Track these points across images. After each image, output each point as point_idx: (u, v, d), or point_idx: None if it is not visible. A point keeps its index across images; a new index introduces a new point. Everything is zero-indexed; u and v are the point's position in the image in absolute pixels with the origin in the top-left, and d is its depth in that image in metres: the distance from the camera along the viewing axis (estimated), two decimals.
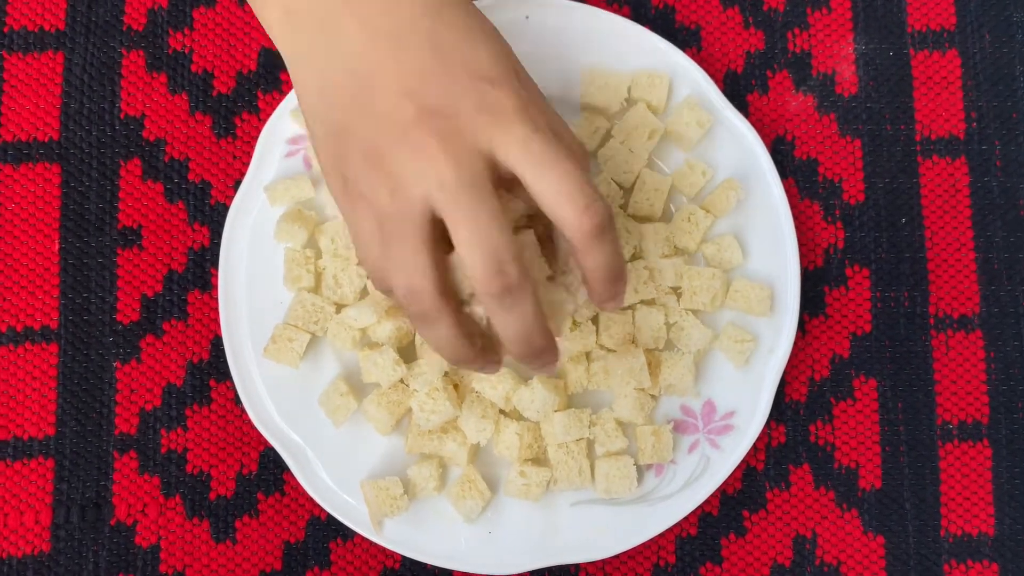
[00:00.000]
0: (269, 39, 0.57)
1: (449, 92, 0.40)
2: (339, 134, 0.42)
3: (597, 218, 0.40)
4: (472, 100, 0.40)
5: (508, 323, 0.41)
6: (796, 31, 0.58)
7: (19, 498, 0.54)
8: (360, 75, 0.41)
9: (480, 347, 0.43)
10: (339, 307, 0.53)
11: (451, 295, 0.42)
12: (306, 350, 0.53)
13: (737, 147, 0.54)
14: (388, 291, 0.43)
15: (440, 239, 0.41)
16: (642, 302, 0.54)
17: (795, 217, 0.55)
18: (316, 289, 0.53)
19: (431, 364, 0.51)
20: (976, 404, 0.56)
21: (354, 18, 0.41)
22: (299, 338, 0.52)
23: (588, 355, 0.53)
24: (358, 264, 0.49)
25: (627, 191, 0.54)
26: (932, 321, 0.57)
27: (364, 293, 0.53)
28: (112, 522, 0.54)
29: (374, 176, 0.41)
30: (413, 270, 0.40)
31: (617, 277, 0.43)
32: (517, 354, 0.43)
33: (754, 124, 0.56)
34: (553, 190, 0.40)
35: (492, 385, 0.51)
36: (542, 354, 0.43)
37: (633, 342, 0.53)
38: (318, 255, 0.53)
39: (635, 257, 0.54)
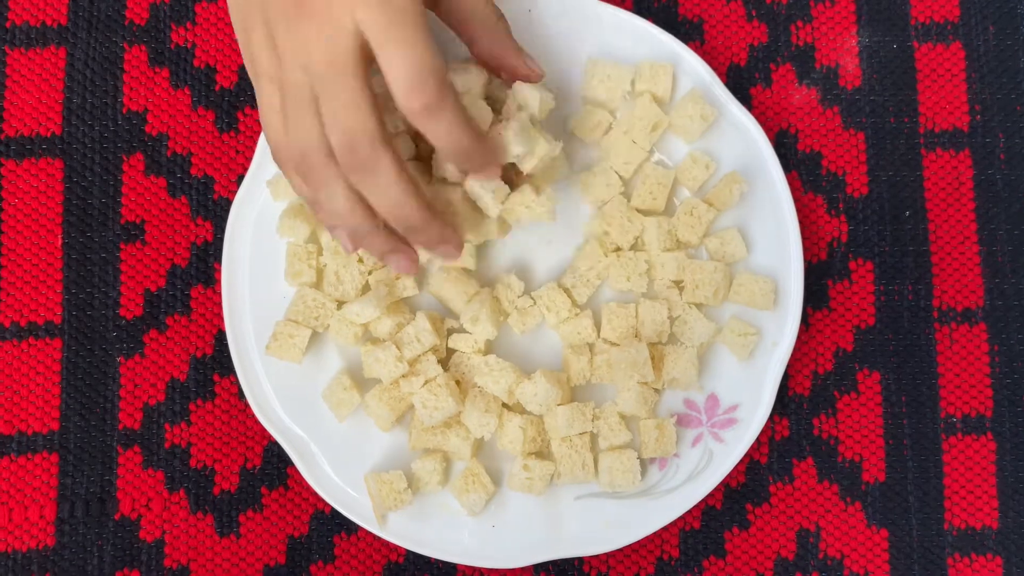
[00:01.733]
0: None
1: None
2: (245, 6, 0.43)
3: (425, 97, 0.40)
4: None
5: (436, 136, 0.42)
6: (799, 24, 0.58)
7: (24, 493, 0.54)
8: None
9: (431, 211, 0.44)
10: (340, 303, 0.53)
11: (390, 142, 0.42)
12: (309, 345, 0.53)
13: (740, 140, 0.54)
14: (293, 156, 0.42)
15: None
16: (644, 296, 0.54)
17: (798, 210, 0.55)
18: (318, 284, 0.53)
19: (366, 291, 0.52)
20: (980, 397, 0.56)
21: None
22: (300, 334, 0.52)
23: (591, 348, 0.53)
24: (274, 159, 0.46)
25: (627, 181, 0.54)
26: (936, 314, 0.56)
27: (366, 289, 0.53)
28: (116, 516, 0.54)
29: (304, 23, 0.41)
30: (354, 116, 0.40)
31: (465, 153, 0.43)
32: (456, 163, 0.44)
33: (757, 117, 0.56)
34: (389, 71, 0.40)
35: (495, 379, 0.51)
36: (476, 159, 0.44)
37: (636, 336, 0.53)
38: (320, 251, 0.53)
39: (636, 249, 0.54)
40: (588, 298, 0.54)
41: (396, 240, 0.45)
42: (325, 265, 0.53)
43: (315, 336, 0.53)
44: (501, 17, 0.48)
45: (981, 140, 0.58)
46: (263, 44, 0.42)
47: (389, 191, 0.42)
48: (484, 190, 0.47)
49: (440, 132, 0.42)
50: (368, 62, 0.41)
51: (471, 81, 0.48)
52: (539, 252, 0.55)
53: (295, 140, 0.42)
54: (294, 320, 0.53)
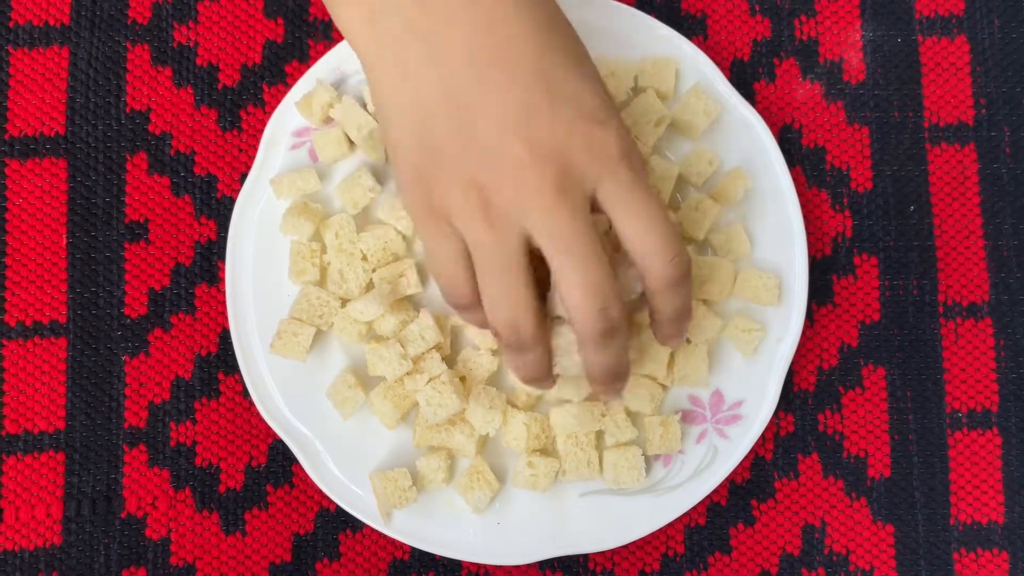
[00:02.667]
0: (273, 32, 0.57)
1: (557, 132, 0.41)
2: (433, 154, 0.42)
3: (681, 269, 0.42)
4: (581, 142, 0.41)
5: (600, 361, 0.44)
6: (803, 18, 0.58)
7: (30, 491, 0.54)
8: (462, 103, 0.41)
9: (552, 371, 0.46)
10: (344, 301, 0.53)
11: (544, 325, 0.43)
12: (313, 343, 0.53)
13: (744, 136, 0.54)
14: (468, 300, 0.44)
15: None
16: None
17: (803, 205, 0.55)
18: (321, 283, 0.53)
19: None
20: (986, 392, 0.56)
21: (457, 36, 0.41)
22: (304, 332, 0.52)
23: None
24: (434, 279, 0.46)
25: None
26: (941, 309, 0.56)
27: (369, 287, 0.53)
28: (122, 515, 0.54)
29: (472, 205, 0.41)
30: (516, 305, 0.42)
31: (684, 318, 0.45)
32: (600, 383, 0.45)
33: (761, 112, 0.56)
34: (645, 239, 0.42)
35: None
36: (619, 382, 0.46)
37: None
38: (323, 249, 0.53)
39: None
40: None
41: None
42: (329, 263, 0.53)
43: (319, 334, 0.53)
44: (675, 259, 0.44)
45: (986, 134, 0.57)
46: (453, 201, 0.42)
47: (531, 368, 0.45)
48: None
49: (603, 359, 0.43)
50: (530, 250, 0.42)
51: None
52: None
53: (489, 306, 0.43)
54: (298, 319, 0.53)
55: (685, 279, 0.43)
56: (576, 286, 0.41)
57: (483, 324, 0.44)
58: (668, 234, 0.42)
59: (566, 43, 0.43)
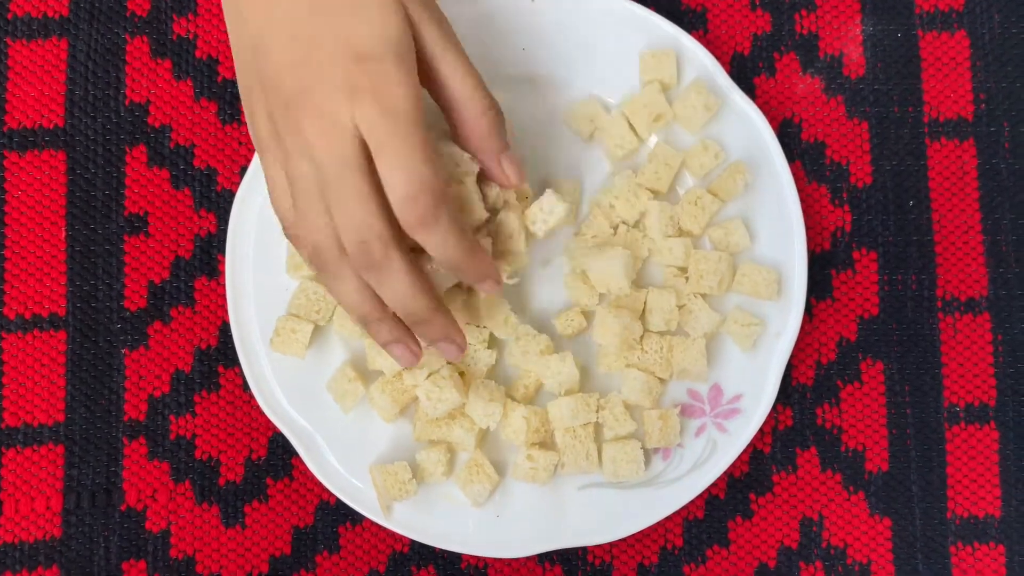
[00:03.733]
0: None
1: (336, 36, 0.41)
2: (265, 83, 0.43)
3: (418, 211, 0.41)
4: (339, 78, 0.41)
5: (430, 247, 0.42)
6: (803, 12, 0.58)
7: (30, 484, 0.54)
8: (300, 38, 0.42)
9: (439, 305, 0.45)
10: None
11: (401, 236, 0.42)
12: (313, 337, 0.53)
13: (744, 130, 0.54)
14: (306, 245, 0.43)
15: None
16: (651, 284, 0.54)
17: (802, 200, 0.55)
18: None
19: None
20: (983, 387, 0.56)
21: None
22: (302, 328, 0.52)
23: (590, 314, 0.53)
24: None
25: (616, 162, 0.54)
26: (939, 304, 0.56)
27: None
28: (122, 507, 0.54)
29: (303, 116, 0.41)
30: (363, 217, 0.41)
31: (458, 266, 0.43)
32: (448, 270, 0.44)
33: (761, 107, 0.56)
34: (386, 180, 0.41)
35: (524, 347, 0.52)
36: (472, 272, 0.44)
37: (640, 318, 0.53)
38: None
39: (638, 229, 0.54)
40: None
41: (401, 331, 0.46)
42: None
43: (319, 327, 0.53)
44: (490, 109, 0.45)
45: (986, 129, 0.57)
46: (267, 128, 0.43)
47: (399, 288, 0.43)
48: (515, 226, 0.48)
49: (434, 245, 0.42)
50: (370, 156, 0.41)
51: (467, 166, 0.46)
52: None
53: (306, 231, 0.43)
54: (295, 315, 0.53)
55: (426, 221, 0.41)
56: (388, 174, 0.40)
57: (360, 307, 0.44)
58: (404, 174, 0.40)
59: None
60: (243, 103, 0.45)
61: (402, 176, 0.40)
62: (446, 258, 0.43)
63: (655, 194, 0.54)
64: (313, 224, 0.42)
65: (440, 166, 0.42)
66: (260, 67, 0.43)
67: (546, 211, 0.48)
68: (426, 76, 0.45)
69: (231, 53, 0.57)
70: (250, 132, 0.45)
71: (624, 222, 0.54)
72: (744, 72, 0.57)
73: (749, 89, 0.57)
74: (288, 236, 0.45)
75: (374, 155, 0.41)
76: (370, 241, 0.41)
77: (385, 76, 0.41)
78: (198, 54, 0.57)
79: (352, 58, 0.41)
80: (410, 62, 0.42)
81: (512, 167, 0.46)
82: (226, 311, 0.54)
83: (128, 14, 0.57)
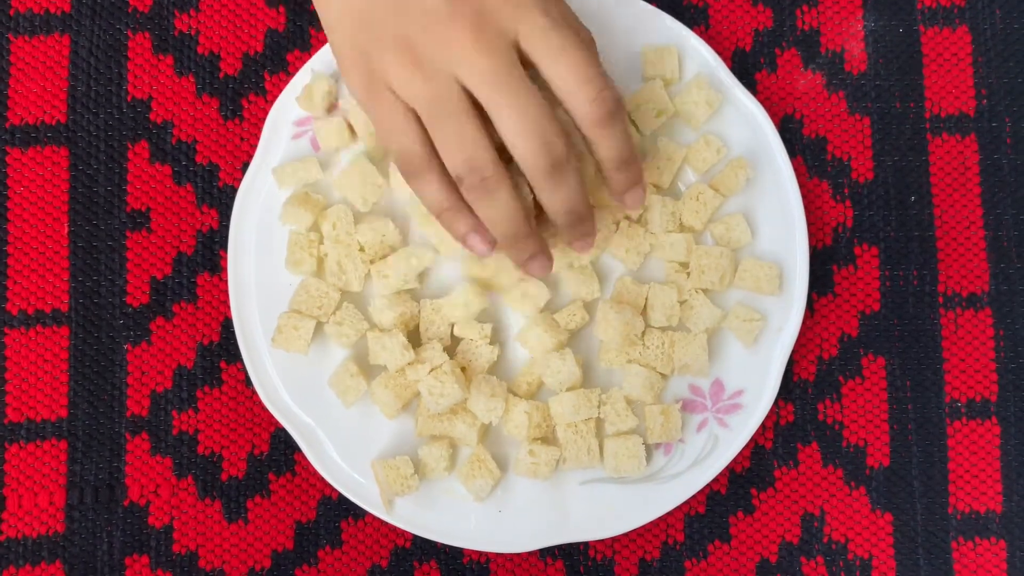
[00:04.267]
0: (274, 21, 0.57)
1: None
2: (364, 27, 0.44)
3: (606, 106, 0.44)
4: None
5: (557, 198, 0.45)
6: (804, 8, 0.58)
7: (33, 479, 0.55)
8: None
9: (533, 226, 0.47)
10: (343, 292, 0.53)
11: (504, 166, 0.44)
12: (315, 332, 0.53)
13: (746, 126, 0.54)
14: (421, 163, 0.45)
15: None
16: (654, 280, 0.54)
17: (804, 196, 0.55)
18: (319, 273, 0.53)
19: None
20: (985, 382, 0.56)
21: None
22: (304, 325, 0.52)
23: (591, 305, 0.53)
24: (385, 158, 0.52)
25: None
26: (941, 299, 0.57)
27: (368, 278, 0.53)
28: (125, 503, 0.55)
29: (407, 64, 0.44)
30: (471, 142, 0.43)
31: (629, 162, 0.46)
32: (564, 224, 0.46)
33: (763, 102, 0.56)
34: (566, 78, 0.43)
35: (539, 337, 0.52)
36: (584, 223, 0.47)
37: (642, 313, 0.53)
38: (321, 239, 0.53)
39: (640, 224, 0.54)
40: (594, 259, 0.54)
41: (476, 221, 0.47)
42: (326, 254, 0.53)
43: (320, 324, 0.53)
44: (598, 98, 0.45)
45: (987, 125, 0.57)
46: (389, 65, 0.44)
47: (504, 208, 0.45)
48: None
49: (613, 140, 0.45)
50: (475, 103, 0.44)
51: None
52: None
53: (401, 140, 0.45)
54: (297, 311, 0.53)
55: (612, 117, 0.44)
56: (514, 124, 0.43)
57: (442, 203, 0.46)
58: (586, 73, 0.43)
59: None
60: (349, 42, 0.45)
61: (586, 76, 0.43)
62: (617, 153, 0.45)
63: (657, 189, 0.54)
64: (409, 135, 0.45)
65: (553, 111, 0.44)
66: None
67: None
68: (542, 73, 0.45)
69: (232, 49, 0.57)
70: (358, 77, 0.45)
71: (626, 217, 0.54)
72: (746, 68, 0.57)
73: (751, 85, 0.57)
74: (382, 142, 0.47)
75: (548, 62, 0.43)
76: (482, 168, 0.44)
77: None
78: (200, 50, 0.57)
79: None
80: None
81: (638, 196, 0.49)
82: (228, 307, 0.54)
83: (130, 10, 0.57)
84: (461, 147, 0.44)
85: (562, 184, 0.44)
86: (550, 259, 0.49)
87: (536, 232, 0.47)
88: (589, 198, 0.47)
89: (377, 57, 0.44)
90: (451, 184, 0.46)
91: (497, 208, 0.45)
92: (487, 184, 0.44)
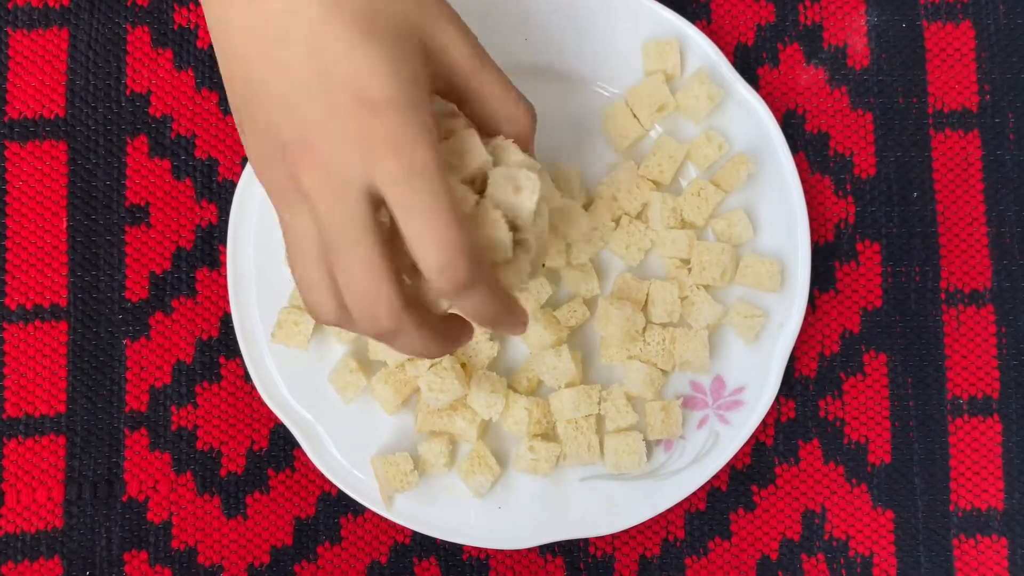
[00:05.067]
0: None
1: (326, 121, 0.37)
2: (257, 125, 0.39)
3: (455, 279, 0.37)
4: (349, 132, 0.37)
5: (466, 311, 0.40)
6: (807, 3, 0.58)
7: (31, 475, 0.54)
8: (247, 78, 0.38)
9: (453, 334, 0.42)
10: None
11: (412, 302, 0.39)
12: (315, 328, 0.52)
13: (748, 121, 0.54)
14: (332, 316, 0.39)
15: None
16: (655, 276, 0.53)
17: (806, 191, 0.55)
18: None
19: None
20: (987, 379, 0.56)
21: (232, 10, 0.38)
22: (305, 320, 0.52)
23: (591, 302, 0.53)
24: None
25: (620, 153, 0.54)
26: (943, 296, 0.56)
27: None
28: (124, 498, 0.54)
29: (302, 168, 0.37)
30: (373, 286, 0.37)
31: (495, 323, 0.41)
32: (487, 328, 0.42)
33: (765, 98, 0.55)
34: (416, 248, 0.37)
35: (540, 332, 0.51)
36: (503, 324, 0.41)
37: (643, 309, 0.53)
38: None
39: (640, 220, 0.54)
40: (589, 256, 0.53)
41: (461, 332, 0.44)
42: None
43: None
44: (530, 123, 0.42)
45: (990, 120, 0.57)
46: (263, 169, 0.39)
47: (414, 346, 0.40)
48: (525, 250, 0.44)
49: (472, 307, 0.39)
50: (378, 210, 0.38)
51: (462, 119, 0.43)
52: None
53: (305, 291, 0.40)
54: (298, 306, 0.52)
55: (462, 289, 0.38)
56: (418, 242, 0.37)
57: (370, 333, 0.40)
58: (435, 240, 0.36)
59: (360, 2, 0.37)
60: (238, 130, 0.41)
61: (436, 244, 0.36)
62: (483, 318, 0.40)
63: (657, 185, 0.54)
64: (312, 284, 0.39)
65: (465, 221, 0.38)
66: (253, 108, 0.39)
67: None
68: (455, 93, 0.42)
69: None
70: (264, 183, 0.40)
71: (626, 214, 0.54)
72: (748, 63, 0.57)
73: (753, 80, 0.57)
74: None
75: (399, 218, 0.37)
76: (380, 311, 0.38)
77: (405, 128, 0.36)
78: (199, 44, 0.57)
79: (365, 107, 0.36)
80: (428, 104, 0.38)
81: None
82: (227, 302, 0.54)
83: (129, 4, 0.57)
84: (353, 289, 0.38)
85: (467, 301, 0.39)
86: (468, 340, 0.44)
87: (458, 333, 0.43)
88: (508, 297, 0.41)
89: (265, 163, 0.39)
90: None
91: (410, 348, 0.40)
92: (387, 335, 0.39)
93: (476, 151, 0.40)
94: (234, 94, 0.40)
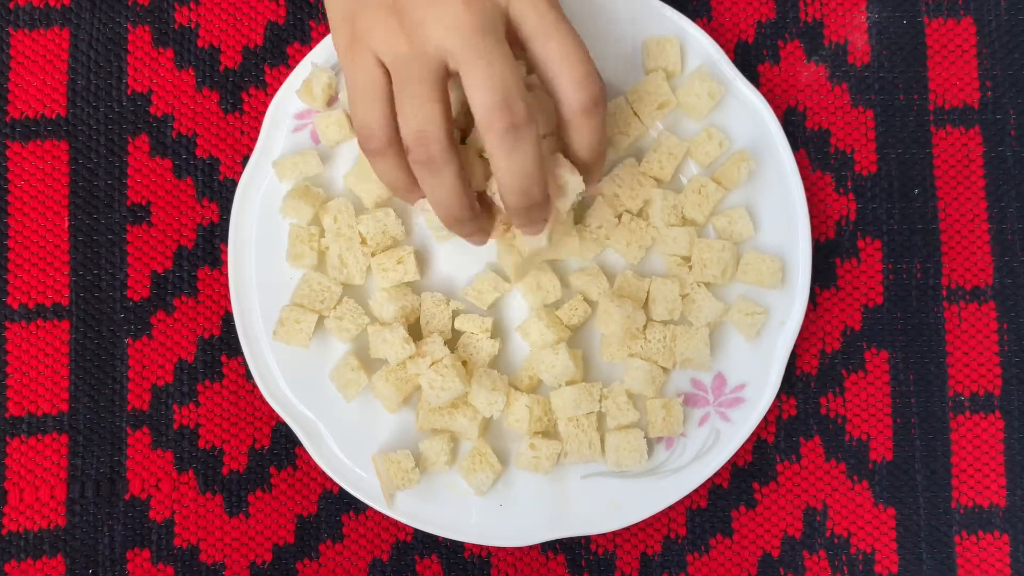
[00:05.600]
0: (274, 13, 0.57)
1: None
2: None
3: (591, 91, 0.43)
4: None
5: (510, 166, 0.43)
6: (808, 0, 0.57)
7: (34, 473, 0.55)
8: None
9: (477, 209, 0.46)
10: (345, 286, 0.53)
11: (456, 147, 0.44)
12: (316, 325, 0.53)
13: (748, 118, 0.54)
14: (380, 142, 0.44)
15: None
16: (655, 273, 0.53)
17: (806, 188, 0.55)
18: (320, 267, 0.53)
19: (431, 222, 0.51)
20: (988, 376, 0.56)
21: None
22: (306, 319, 0.52)
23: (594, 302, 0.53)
24: (352, 128, 0.52)
25: (621, 151, 0.54)
26: (945, 292, 0.56)
27: (370, 271, 0.53)
28: (126, 497, 0.55)
29: (393, 26, 0.43)
30: (427, 114, 0.42)
31: (600, 155, 0.45)
32: (514, 203, 0.44)
33: (765, 95, 0.55)
34: (554, 57, 0.43)
35: (541, 331, 0.52)
36: (537, 207, 0.45)
37: (644, 307, 0.53)
38: (322, 233, 0.53)
39: (641, 218, 0.54)
40: (593, 256, 0.53)
41: (482, 220, 0.47)
42: (327, 248, 0.53)
43: (322, 316, 0.53)
44: (595, 94, 0.45)
45: (992, 117, 0.57)
46: (375, 25, 0.44)
47: (447, 187, 0.44)
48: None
49: (513, 163, 0.43)
50: (448, 72, 0.43)
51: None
52: None
53: (365, 116, 0.45)
54: (300, 304, 0.53)
55: (596, 104, 0.44)
56: (478, 79, 0.42)
57: (398, 182, 0.46)
58: (576, 55, 0.43)
59: None
60: (340, 1, 0.45)
61: (578, 59, 0.43)
62: (590, 144, 0.45)
63: (658, 182, 0.54)
64: (369, 117, 0.44)
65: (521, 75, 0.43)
66: None
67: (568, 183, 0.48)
68: (526, 47, 0.45)
69: (232, 42, 0.57)
70: (342, 35, 0.45)
71: (627, 211, 0.54)
72: (748, 60, 0.57)
73: (753, 77, 0.57)
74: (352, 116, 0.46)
75: (536, 37, 0.43)
76: (431, 141, 0.43)
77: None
78: (200, 43, 0.57)
79: None
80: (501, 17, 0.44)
81: (596, 174, 0.48)
82: (229, 300, 0.54)
83: (130, 3, 0.57)
84: (416, 116, 0.43)
85: (518, 149, 0.42)
86: (488, 232, 0.48)
87: (480, 215, 0.47)
88: (545, 176, 0.45)
89: (363, 16, 0.44)
90: (406, 164, 0.45)
91: (441, 189, 0.44)
92: (432, 162, 0.43)
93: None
94: None
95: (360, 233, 0.53)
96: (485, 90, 0.41)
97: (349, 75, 0.45)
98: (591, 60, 0.44)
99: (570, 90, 0.43)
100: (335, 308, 0.52)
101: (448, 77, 0.43)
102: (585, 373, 0.54)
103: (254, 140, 0.56)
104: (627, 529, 0.55)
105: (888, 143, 0.57)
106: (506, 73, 0.42)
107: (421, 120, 0.42)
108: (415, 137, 0.43)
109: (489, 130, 0.42)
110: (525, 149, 0.42)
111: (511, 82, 0.42)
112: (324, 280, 0.53)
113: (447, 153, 0.43)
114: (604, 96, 0.44)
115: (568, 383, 0.52)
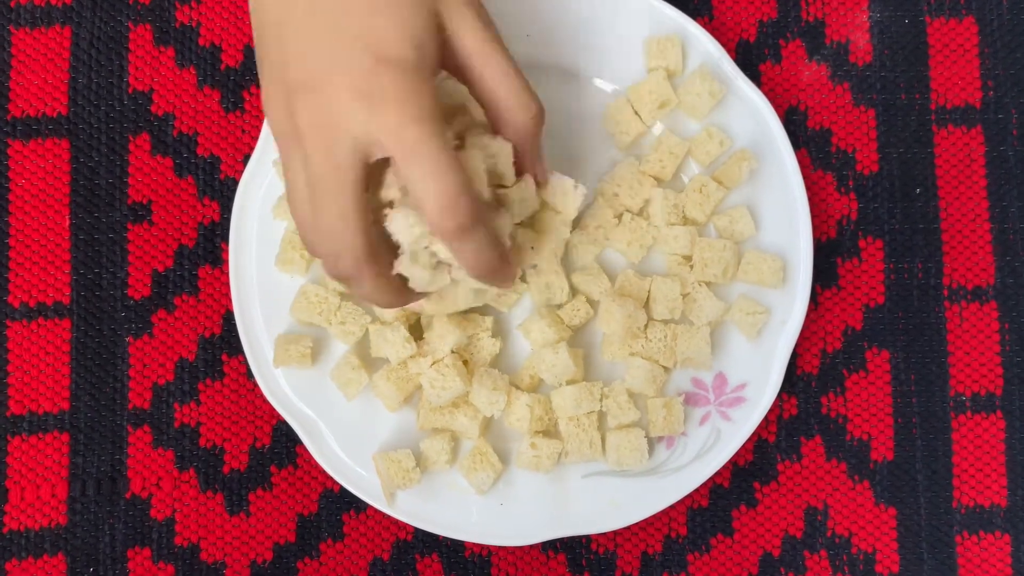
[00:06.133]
0: None
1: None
2: (273, 66, 0.42)
3: (456, 219, 0.40)
4: (356, 80, 0.39)
5: (466, 257, 0.42)
6: None
7: (35, 472, 0.55)
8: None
9: (406, 299, 0.45)
10: (342, 295, 0.53)
11: (375, 255, 0.42)
12: (317, 326, 0.53)
13: (749, 117, 0.54)
14: (312, 250, 0.43)
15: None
16: (656, 273, 0.53)
17: (808, 188, 0.55)
18: (308, 272, 0.53)
19: (441, 336, 0.51)
20: (990, 376, 0.56)
21: None
22: (301, 343, 0.52)
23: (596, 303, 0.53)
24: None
25: (622, 150, 0.54)
26: (946, 292, 0.56)
27: None
28: (127, 495, 0.55)
29: (303, 109, 0.40)
30: (342, 232, 0.40)
31: (491, 272, 0.43)
32: (478, 278, 0.44)
33: (767, 94, 0.55)
34: (416, 191, 0.40)
35: (542, 330, 0.52)
36: (497, 275, 0.44)
37: (645, 306, 0.53)
38: None
39: (642, 217, 0.54)
40: (594, 256, 0.53)
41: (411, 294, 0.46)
42: None
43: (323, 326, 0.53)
44: (536, 114, 0.44)
45: (993, 116, 0.57)
46: (274, 110, 0.42)
47: (372, 296, 0.43)
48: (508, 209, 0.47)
49: (470, 252, 0.42)
50: (368, 168, 0.40)
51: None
52: None
53: (298, 222, 0.43)
54: (298, 319, 0.52)
55: (464, 231, 0.40)
56: (418, 183, 0.39)
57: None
58: (437, 181, 0.39)
59: None
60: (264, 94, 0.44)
61: (438, 185, 0.39)
62: (479, 265, 0.42)
63: (659, 182, 0.54)
64: (301, 222, 0.42)
65: (463, 168, 0.41)
66: (268, 45, 0.42)
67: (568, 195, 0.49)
68: (463, 72, 0.43)
69: (234, 41, 0.57)
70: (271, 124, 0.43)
71: (628, 210, 0.54)
72: (750, 59, 0.57)
73: (755, 76, 0.57)
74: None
75: (401, 164, 0.39)
76: (344, 256, 0.41)
77: (409, 82, 0.39)
78: (201, 42, 0.57)
79: (373, 59, 0.39)
80: (434, 66, 0.41)
81: (542, 172, 0.48)
82: (230, 299, 0.54)
83: (131, 2, 0.57)
84: (328, 239, 0.41)
85: (471, 241, 0.41)
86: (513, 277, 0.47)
87: (408, 298, 0.45)
88: (504, 245, 0.44)
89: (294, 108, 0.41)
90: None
91: (362, 295, 0.43)
92: (349, 278, 0.42)
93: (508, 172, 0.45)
94: (255, 27, 0.43)
95: None
96: (428, 192, 0.39)
97: (288, 174, 0.43)
98: (457, 182, 0.40)
99: (434, 218, 0.40)
100: (336, 314, 0.52)
101: (365, 165, 0.40)
102: (586, 372, 0.54)
103: (255, 139, 0.56)
104: (628, 528, 0.55)
105: (890, 142, 0.57)
106: (445, 170, 0.39)
107: (328, 238, 0.41)
108: (326, 256, 0.42)
109: (439, 230, 0.40)
110: (478, 239, 0.41)
111: (452, 179, 0.39)
112: (320, 291, 0.52)
113: (359, 269, 0.41)
114: (476, 217, 0.40)
115: (569, 382, 0.52)
